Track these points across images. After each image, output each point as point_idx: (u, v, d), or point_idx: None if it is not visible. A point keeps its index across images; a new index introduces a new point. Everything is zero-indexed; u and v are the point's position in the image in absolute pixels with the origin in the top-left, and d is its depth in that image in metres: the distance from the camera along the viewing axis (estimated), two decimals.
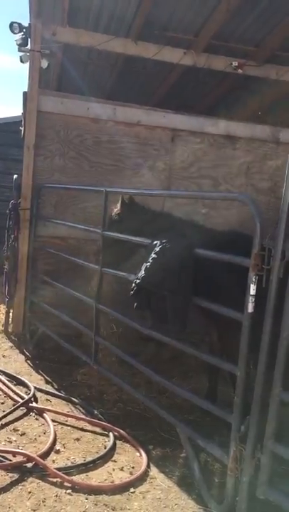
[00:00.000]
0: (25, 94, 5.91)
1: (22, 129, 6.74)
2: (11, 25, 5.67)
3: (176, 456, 3.56)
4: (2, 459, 3.23)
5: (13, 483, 3.02)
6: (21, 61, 5.83)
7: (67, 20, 5.81)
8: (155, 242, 3.49)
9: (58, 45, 6.05)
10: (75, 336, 5.48)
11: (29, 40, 5.74)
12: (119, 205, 4.49)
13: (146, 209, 4.48)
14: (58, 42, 5.91)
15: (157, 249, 3.40)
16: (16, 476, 3.10)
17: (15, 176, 6.15)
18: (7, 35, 6.02)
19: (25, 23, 5.73)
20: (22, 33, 5.71)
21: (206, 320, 4.08)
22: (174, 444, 3.68)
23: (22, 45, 5.76)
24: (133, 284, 3.50)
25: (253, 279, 2.73)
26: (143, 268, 3.43)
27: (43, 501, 2.89)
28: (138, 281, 3.42)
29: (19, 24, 5.68)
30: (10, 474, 3.11)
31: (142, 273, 3.41)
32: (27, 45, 5.77)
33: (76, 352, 4.86)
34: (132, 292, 3.53)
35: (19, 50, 5.85)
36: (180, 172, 6.30)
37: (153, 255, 3.40)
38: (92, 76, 7.86)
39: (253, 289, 2.75)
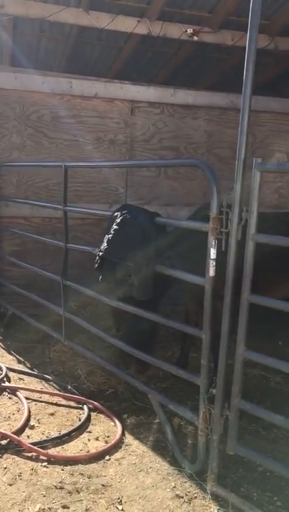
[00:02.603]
0: None
1: None
2: None
3: (151, 423, 3.63)
4: None
5: None
6: None
7: None
8: (116, 214, 3.48)
9: (8, 18, 5.83)
10: (46, 316, 5.47)
11: None
12: None
13: None
14: (6, 15, 5.70)
15: (118, 220, 3.40)
16: None
17: None
18: None
19: None
20: None
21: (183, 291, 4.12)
22: (148, 412, 3.75)
23: None
24: (96, 257, 3.50)
25: (213, 243, 2.76)
26: (105, 240, 3.43)
27: (19, 475, 2.92)
28: (101, 253, 3.42)
29: None
30: None
31: (104, 245, 3.41)
32: None
33: (47, 330, 4.87)
34: (96, 265, 3.53)
35: None
36: (141, 144, 6.26)
37: (114, 227, 3.40)
38: (46, 49, 7.63)
39: (213, 253, 2.78)
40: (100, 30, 6.18)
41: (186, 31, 6.15)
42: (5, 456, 3.11)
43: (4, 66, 6.86)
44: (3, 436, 3.24)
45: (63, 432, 3.41)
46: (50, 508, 2.65)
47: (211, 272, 2.81)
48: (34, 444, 3.20)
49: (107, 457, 3.16)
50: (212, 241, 2.77)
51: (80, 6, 5.87)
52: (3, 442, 3.22)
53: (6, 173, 5.81)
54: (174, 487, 2.90)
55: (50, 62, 7.91)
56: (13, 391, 4.01)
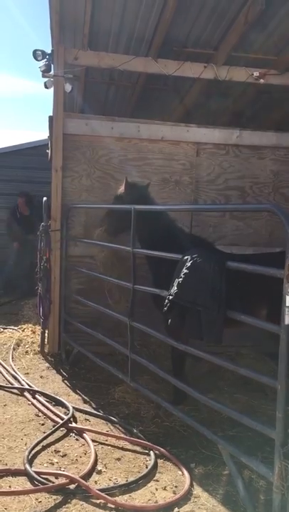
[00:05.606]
0: (51, 118, 6.04)
1: (49, 151, 6.88)
2: (35, 52, 5.82)
3: (220, 474, 3.50)
4: (45, 481, 3.25)
5: (57, 506, 3.02)
6: (46, 87, 5.97)
7: (88, 44, 5.94)
8: (186, 257, 3.48)
9: (81, 69, 6.17)
10: (110, 354, 5.50)
11: (52, 65, 5.89)
12: (123, 186, 5.09)
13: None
14: (80, 66, 6.04)
15: (188, 264, 3.40)
16: (59, 498, 3.10)
17: (44, 199, 6.26)
18: (30, 62, 6.16)
19: (48, 50, 5.88)
20: (45, 60, 5.85)
21: None
22: (216, 461, 3.62)
23: (46, 71, 5.91)
24: (166, 301, 3.49)
25: (288, 290, 2.69)
26: (175, 284, 3.42)
27: None
28: (171, 297, 3.42)
29: (42, 51, 5.83)
30: (54, 496, 3.12)
31: (174, 289, 3.41)
32: (50, 70, 5.91)
33: (112, 370, 4.87)
34: (165, 309, 3.52)
35: (43, 76, 6.00)
36: (207, 185, 6.30)
37: (185, 270, 3.39)
38: (115, 96, 7.98)
39: (288, 301, 2.70)
40: (167, 76, 6.39)
41: (252, 74, 6.22)
42: (74, 501, 3.08)
43: (75, 114, 7.21)
44: (72, 480, 3.23)
45: (130, 479, 3.35)
46: None
47: (287, 319, 2.72)
48: (102, 490, 3.15)
49: (176, 509, 3.05)
50: (287, 288, 2.69)
51: (148, 55, 6.13)
52: (72, 487, 3.21)
53: (75, 214, 6.02)
54: None
55: (118, 108, 8.25)
56: (80, 432, 4.01)
